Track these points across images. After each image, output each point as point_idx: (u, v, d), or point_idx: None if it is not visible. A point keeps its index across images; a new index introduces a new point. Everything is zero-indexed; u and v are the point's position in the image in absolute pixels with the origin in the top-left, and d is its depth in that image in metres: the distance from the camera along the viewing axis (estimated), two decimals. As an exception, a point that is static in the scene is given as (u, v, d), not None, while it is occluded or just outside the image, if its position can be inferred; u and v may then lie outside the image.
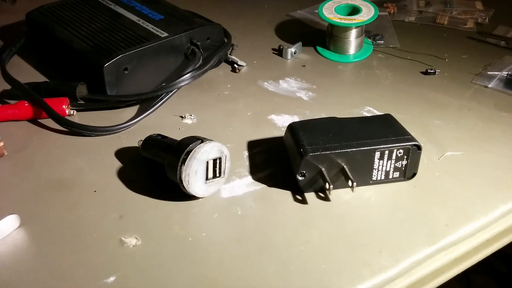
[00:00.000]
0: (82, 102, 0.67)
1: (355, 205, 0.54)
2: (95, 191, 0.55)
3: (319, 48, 0.81)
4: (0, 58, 0.75)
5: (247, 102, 0.69)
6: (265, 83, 0.73)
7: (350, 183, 0.52)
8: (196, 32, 0.74)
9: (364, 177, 0.55)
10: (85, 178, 0.57)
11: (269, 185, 0.56)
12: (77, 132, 0.63)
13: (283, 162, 0.58)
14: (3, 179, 0.57)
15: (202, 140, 0.52)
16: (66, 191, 0.56)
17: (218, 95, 0.71)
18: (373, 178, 0.55)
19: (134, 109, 0.68)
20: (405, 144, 0.54)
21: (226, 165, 0.54)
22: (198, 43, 0.73)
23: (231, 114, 0.67)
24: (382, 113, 0.61)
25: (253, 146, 0.62)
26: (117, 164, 0.59)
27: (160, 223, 0.52)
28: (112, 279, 0.46)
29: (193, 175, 0.51)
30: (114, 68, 0.67)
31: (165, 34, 0.72)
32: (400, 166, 0.55)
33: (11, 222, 0.51)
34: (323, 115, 0.66)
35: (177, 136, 0.56)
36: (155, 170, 0.57)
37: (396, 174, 0.55)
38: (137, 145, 0.59)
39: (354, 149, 0.53)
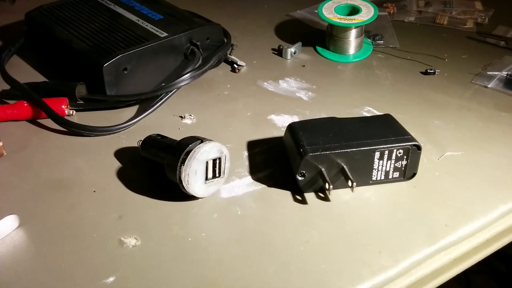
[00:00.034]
0: (81, 102, 0.67)
1: (355, 205, 0.54)
2: (94, 191, 0.55)
3: (318, 48, 0.81)
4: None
5: (247, 102, 0.69)
6: (265, 83, 0.73)
7: (350, 183, 0.52)
8: (195, 32, 0.74)
9: (364, 177, 0.55)
10: (84, 178, 0.57)
11: (269, 185, 0.56)
12: (76, 132, 0.63)
13: (283, 162, 0.58)
14: (3, 179, 0.57)
15: (201, 140, 0.52)
16: (65, 191, 0.55)
17: (218, 95, 0.71)
18: (373, 178, 0.55)
19: (133, 109, 0.68)
20: (405, 144, 0.54)
21: (225, 165, 0.54)
22: (198, 43, 0.73)
23: (231, 114, 0.67)
24: (382, 113, 0.61)
25: (252, 146, 0.62)
26: (117, 164, 0.59)
27: (159, 223, 0.51)
28: (111, 279, 0.46)
29: (193, 175, 0.51)
30: (114, 68, 0.67)
31: (165, 34, 0.72)
32: (400, 166, 0.55)
33: (10, 222, 0.50)
34: (323, 115, 0.66)
35: (177, 136, 0.56)
36: (155, 170, 0.57)
37: (396, 174, 0.55)
38: (137, 145, 0.59)
39: (354, 149, 0.53)
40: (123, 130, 0.64)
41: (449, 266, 0.51)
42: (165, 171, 0.53)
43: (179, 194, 0.53)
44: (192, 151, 0.51)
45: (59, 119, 0.63)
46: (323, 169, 0.53)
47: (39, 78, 0.74)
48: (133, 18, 0.76)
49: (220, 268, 0.47)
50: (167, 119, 0.66)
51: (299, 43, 0.80)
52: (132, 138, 0.62)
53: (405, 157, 0.54)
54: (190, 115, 0.67)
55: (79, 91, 0.67)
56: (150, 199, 0.54)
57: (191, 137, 0.53)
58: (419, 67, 0.76)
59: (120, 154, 0.61)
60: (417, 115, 0.66)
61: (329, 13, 0.77)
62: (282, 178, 0.57)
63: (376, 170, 0.54)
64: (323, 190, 0.55)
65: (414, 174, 0.56)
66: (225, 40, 0.78)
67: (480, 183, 0.56)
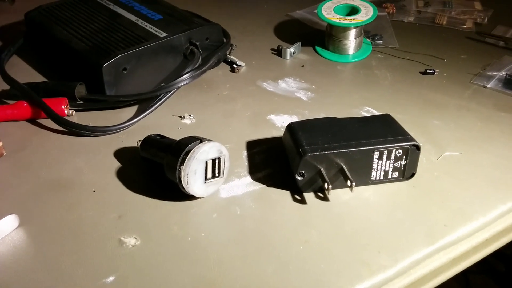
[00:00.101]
0: (81, 102, 0.67)
1: (354, 205, 0.54)
2: (94, 191, 0.55)
3: (318, 48, 0.81)
4: (-1, 58, 0.75)
5: (246, 102, 0.69)
6: (264, 83, 0.73)
7: (349, 183, 0.52)
8: (195, 32, 0.74)
9: (363, 177, 0.55)
10: (84, 178, 0.57)
11: (268, 185, 0.56)
12: (76, 132, 0.63)
13: (282, 162, 0.58)
14: (2, 179, 0.57)
15: (201, 140, 0.52)
16: (65, 191, 0.56)
17: (217, 95, 0.71)
18: (372, 178, 0.55)
19: (133, 109, 0.68)
20: (404, 144, 0.54)
21: (225, 165, 0.54)
22: (197, 43, 0.73)
23: (230, 114, 0.67)
24: (381, 113, 0.61)
25: (252, 146, 0.62)
26: (116, 164, 0.59)
27: (159, 223, 0.52)
28: (111, 279, 0.46)
29: (192, 175, 0.51)
30: (113, 68, 0.67)
31: (164, 34, 0.72)
32: (399, 166, 0.55)
33: (10, 222, 0.51)
34: (322, 115, 0.66)
35: (176, 136, 0.56)
36: (154, 170, 0.57)
37: (395, 174, 0.55)
38: (136, 145, 0.59)
39: (353, 149, 0.53)
40: (123, 130, 0.64)
41: (448, 266, 0.51)
42: (164, 171, 0.53)
43: (179, 194, 0.53)
44: (192, 151, 0.51)
45: (58, 119, 0.63)
46: (322, 169, 0.53)
47: (38, 78, 0.74)
48: (133, 18, 0.76)
49: (219, 268, 0.47)
50: (166, 119, 0.66)
51: (299, 43, 0.80)
52: (131, 138, 0.62)
53: (404, 157, 0.54)
54: (190, 115, 0.67)
55: (78, 91, 0.67)
56: (150, 199, 0.54)
57: (191, 137, 0.53)
58: (419, 67, 0.76)
59: (120, 154, 0.61)
60: (416, 115, 0.66)
61: (329, 13, 0.77)
62: (281, 178, 0.57)
63: (375, 170, 0.55)
64: (322, 190, 0.55)
65: (413, 174, 0.56)
66: (225, 40, 0.78)
67: (479, 183, 0.56)
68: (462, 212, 0.53)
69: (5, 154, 0.60)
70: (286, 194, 0.55)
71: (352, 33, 0.77)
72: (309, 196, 0.55)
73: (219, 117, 0.67)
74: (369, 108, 0.68)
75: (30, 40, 0.80)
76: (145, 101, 0.68)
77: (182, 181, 0.51)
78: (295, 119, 0.66)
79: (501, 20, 0.88)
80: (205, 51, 0.74)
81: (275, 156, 0.60)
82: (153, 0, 0.81)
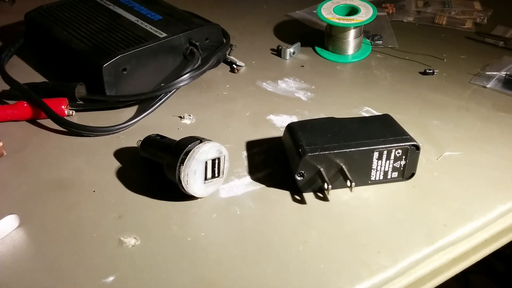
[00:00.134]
0: (81, 102, 0.67)
1: (353, 205, 0.54)
2: (94, 191, 0.55)
3: (317, 49, 0.81)
4: (-1, 59, 0.75)
5: (246, 102, 0.70)
6: (264, 83, 0.74)
7: (348, 183, 0.52)
8: (194, 33, 0.74)
9: (363, 177, 0.55)
10: (84, 178, 0.57)
11: (268, 185, 0.56)
12: (76, 132, 0.63)
13: (282, 162, 0.58)
14: (2, 179, 0.57)
15: (201, 140, 0.52)
16: (65, 191, 0.56)
17: (217, 95, 0.71)
18: (371, 178, 0.55)
19: (133, 109, 0.68)
20: (403, 144, 0.54)
21: (224, 165, 0.54)
22: (197, 44, 0.73)
23: (230, 114, 0.67)
24: (381, 113, 0.61)
25: (251, 146, 0.62)
26: (116, 164, 0.59)
27: (159, 223, 0.52)
28: (111, 279, 0.46)
29: (192, 175, 0.51)
30: (113, 69, 0.67)
31: (164, 35, 0.72)
32: (398, 166, 0.55)
33: (10, 222, 0.51)
34: (322, 115, 0.66)
35: (176, 136, 0.56)
36: (154, 170, 0.57)
37: (395, 174, 0.55)
38: (136, 145, 0.59)
39: (352, 149, 0.53)
40: (123, 130, 0.64)
41: (448, 266, 0.51)
42: (164, 171, 0.53)
43: (178, 194, 0.53)
44: (191, 151, 0.51)
45: (58, 119, 0.63)
46: (322, 169, 0.53)
47: (38, 78, 0.74)
48: (133, 18, 0.76)
49: (219, 268, 0.47)
50: (166, 119, 0.66)
51: (298, 44, 0.80)
52: (131, 138, 0.62)
53: (403, 157, 0.54)
54: (189, 115, 0.67)
55: (78, 92, 0.67)
56: (150, 199, 0.54)
57: (190, 137, 0.53)
58: (418, 67, 0.76)
59: (120, 154, 0.61)
60: (415, 115, 0.67)
61: (328, 13, 0.77)
62: (281, 178, 0.57)
63: (375, 170, 0.55)
64: (322, 190, 0.55)
65: (412, 174, 0.56)
66: (224, 41, 0.78)
67: (479, 183, 0.56)
68: (462, 212, 0.53)
69: (5, 154, 0.60)
70: (286, 194, 0.55)
71: (352, 33, 0.78)
72: (308, 196, 0.55)
73: (219, 117, 0.67)
74: (369, 108, 0.68)
75: (30, 40, 0.80)
76: (145, 101, 0.68)
77: (182, 181, 0.51)
78: (294, 119, 0.66)
79: (501, 20, 0.88)
80: (205, 51, 0.74)
81: (275, 156, 0.60)
82: (152, 0, 0.81)
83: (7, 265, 0.47)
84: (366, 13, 0.77)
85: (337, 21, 0.76)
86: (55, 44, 0.74)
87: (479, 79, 0.73)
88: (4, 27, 0.88)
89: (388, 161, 0.54)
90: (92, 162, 0.59)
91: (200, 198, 0.54)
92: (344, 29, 0.77)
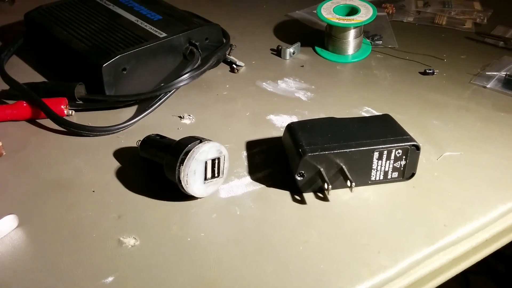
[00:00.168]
0: (80, 102, 0.67)
1: (353, 205, 0.54)
2: (93, 191, 0.55)
3: (317, 49, 0.81)
4: (-1, 58, 0.75)
5: (246, 102, 0.69)
6: (264, 83, 0.73)
7: (348, 183, 0.52)
8: (194, 33, 0.74)
9: (363, 177, 0.55)
10: (83, 178, 0.57)
11: (268, 185, 0.56)
12: (75, 132, 0.63)
13: (282, 162, 0.58)
14: (2, 179, 0.57)
15: (200, 140, 0.52)
16: (64, 191, 0.55)
17: (217, 95, 0.71)
18: (371, 178, 0.55)
19: (132, 109, 0.68)
20: (403, 144, 0.54)
21: (224, 165, 0.54)
22: (197, 44, 0.73)
23: (230, 114, 0.67)
24: (381, 113, 0.61)
25: (251, 146, 0.62)
26: (116, 164, 0.59)
27: (158, 223, 0.51)
28: (110, 279, 0.46)
29: (192, 175, 0.51)
30: (113, 68, 0.67)
31: (164, 35, 0.72)
32: (398, 166, 0.55)
33: (10, 222, 0.50)
34: (322, 115, 0.66)
35: (176, 136, 0.56)
36: (154, 170, 0.57)
37: (395, 174, 0.55)
38: (136, 145, 0.59)
39: (352, 149, 0.53)
40: (122, 130, 0.64)
41: (448, 266, 0.51)
42: (164, 171, 0.53)
43: (178, 194, 0.53)
44: (191, 151, 0.51)
45: (58, 119, 0.63)
46: (322, 169, 0.53)
47: (38, 78, 0.74)
48: (132, 18, 0.76)
49: (219, 268, 0.47)
50: (166, 119, 0.66)
51: (298, 44, 0.80)
52: (131, 138, 0.62)
53: (404, 157, 0.54)
54: (189, 115, 0.67)
55: (78, 91, 0.67)
56: (149, 199, 0.54)
57: (190, 137, 0.53)
58: (418, 67, 0.76)
59: (119, 154, 0.61)
60: (416, 115, 0.66)
61: (328, 13, 0.77)
62: (281, 178, 0.57)
63: (375, 170, 0.55)
64: (322, 190, 0.55)
65: (413, 174, 0.56)
66: (224, 41, 0.78)
67: (479, 183, 0.56)
68: (462, 212, 0.53)
69: (4, 154, 0.60)
70: (286, 194, 0.55)
71: (352, 33, 0.77)
72: (308, 196, 0.55)
73: (219, 117, 0.67)
74: (369, 108, 0.68)
75: (30, 40, 0.80)
76: (144, 101, 0.68)
77: (182, 181, 0.51)
78: (294, 119, 0.66)
79: (501, 20, 0.88)
80: (205, 51, 0.74)
81: (275, 156, 0.60)
82: (152, 0, 0.81)
83: (6, 265, 0.47)
84: (366, 13, 0.77)
85: (337, 21, 0.76)
86: (54, 44, 0.74)
87: (479, 79, 0.73)
88: (4, 27, 0.88)
89: (388, 161, 0.54)
90: (92, 162, 0.59)
91: (200, 198, 0.54)
92: (344, 29, 0.77)
